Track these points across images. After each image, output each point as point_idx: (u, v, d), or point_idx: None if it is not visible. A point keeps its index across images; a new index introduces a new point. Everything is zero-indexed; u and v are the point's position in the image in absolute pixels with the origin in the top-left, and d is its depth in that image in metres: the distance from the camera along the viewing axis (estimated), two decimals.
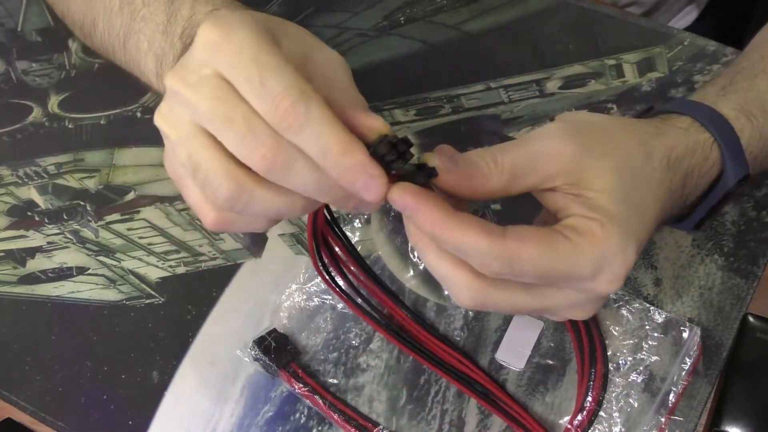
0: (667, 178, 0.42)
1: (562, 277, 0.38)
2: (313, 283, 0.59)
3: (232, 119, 0.36)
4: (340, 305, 0.58)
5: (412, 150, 0.36)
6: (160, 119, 0.40)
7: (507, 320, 0.56)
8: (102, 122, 0.70)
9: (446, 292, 0.57)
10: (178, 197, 0.65)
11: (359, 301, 0.57)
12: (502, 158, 0.38)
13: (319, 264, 0.55)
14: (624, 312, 0.54)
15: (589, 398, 0.52)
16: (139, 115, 0.69)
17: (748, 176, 0.45)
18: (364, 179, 0.35)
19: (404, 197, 0.36)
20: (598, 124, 0.42)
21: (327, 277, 0.56)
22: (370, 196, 0.35)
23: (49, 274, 0.64)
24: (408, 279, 0.58)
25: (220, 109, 0.36)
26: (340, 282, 0.56)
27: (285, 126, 0.35)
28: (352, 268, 0.56)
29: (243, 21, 0.37)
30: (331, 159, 0.35)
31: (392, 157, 0.35)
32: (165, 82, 0.38)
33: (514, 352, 0.55)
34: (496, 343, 0.56)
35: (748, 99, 0.46)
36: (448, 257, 0.38)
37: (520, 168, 0.38)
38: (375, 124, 0.36)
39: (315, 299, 0.59)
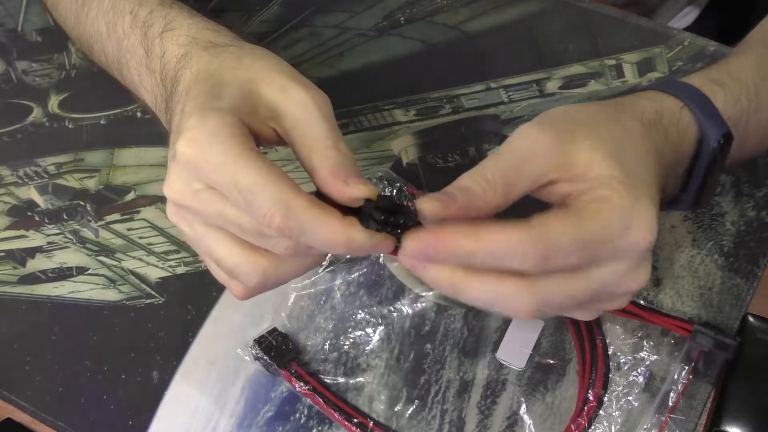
0: (649, 133, 0.43)
1: (598, 241, 0.38)
2: (313, 282, 0.59)
3: (243, 227, 0.39)
4: (340, 306, 0.58)
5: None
6: (176, 220, 0.42)
7: (507, 320, 0.56)
8: (102, 122, 0.70)
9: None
10: None
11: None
12: (492, 174, 0.39)
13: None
14: None
15: (590, 398, 0.52)
16: (139, 115, 0.69)
17: (729, 136, 0.46)
18: (374, 250, 0.38)
19: (420, 247, 0.37)
20: (567, 112, 0.43)
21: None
22: (385, 252, 0.39)
23: (49, 274, 0.64)
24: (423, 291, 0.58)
25: (228, 218, 0.39)
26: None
27: (285, 235, 0.37)
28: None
29: (214, 134, 0.38)
30: (339, 248, 0.38)
31: (388, 229, 0.38)
32: (164, 192, 0.41)
33: (515, 351, 0.55)
34: (497, 343, 0.56)
35: (719, 72, 0.48)
36: (489, 277, 0.38)
37: (511, 177, 0.39)
38: (359, 193, 0.39)
39: (315, 299, 0.59)
